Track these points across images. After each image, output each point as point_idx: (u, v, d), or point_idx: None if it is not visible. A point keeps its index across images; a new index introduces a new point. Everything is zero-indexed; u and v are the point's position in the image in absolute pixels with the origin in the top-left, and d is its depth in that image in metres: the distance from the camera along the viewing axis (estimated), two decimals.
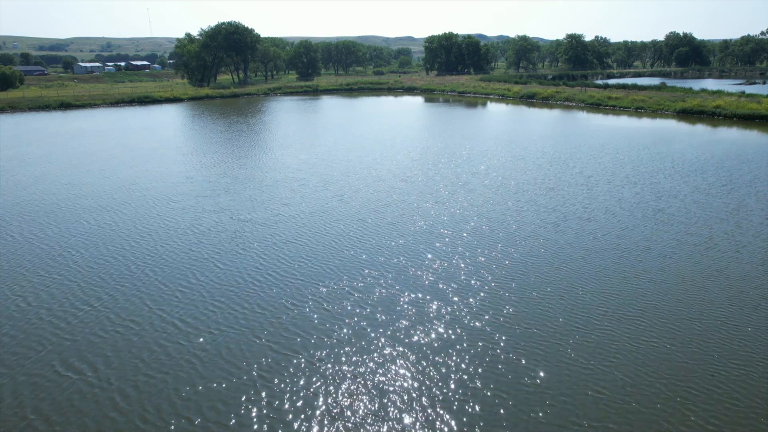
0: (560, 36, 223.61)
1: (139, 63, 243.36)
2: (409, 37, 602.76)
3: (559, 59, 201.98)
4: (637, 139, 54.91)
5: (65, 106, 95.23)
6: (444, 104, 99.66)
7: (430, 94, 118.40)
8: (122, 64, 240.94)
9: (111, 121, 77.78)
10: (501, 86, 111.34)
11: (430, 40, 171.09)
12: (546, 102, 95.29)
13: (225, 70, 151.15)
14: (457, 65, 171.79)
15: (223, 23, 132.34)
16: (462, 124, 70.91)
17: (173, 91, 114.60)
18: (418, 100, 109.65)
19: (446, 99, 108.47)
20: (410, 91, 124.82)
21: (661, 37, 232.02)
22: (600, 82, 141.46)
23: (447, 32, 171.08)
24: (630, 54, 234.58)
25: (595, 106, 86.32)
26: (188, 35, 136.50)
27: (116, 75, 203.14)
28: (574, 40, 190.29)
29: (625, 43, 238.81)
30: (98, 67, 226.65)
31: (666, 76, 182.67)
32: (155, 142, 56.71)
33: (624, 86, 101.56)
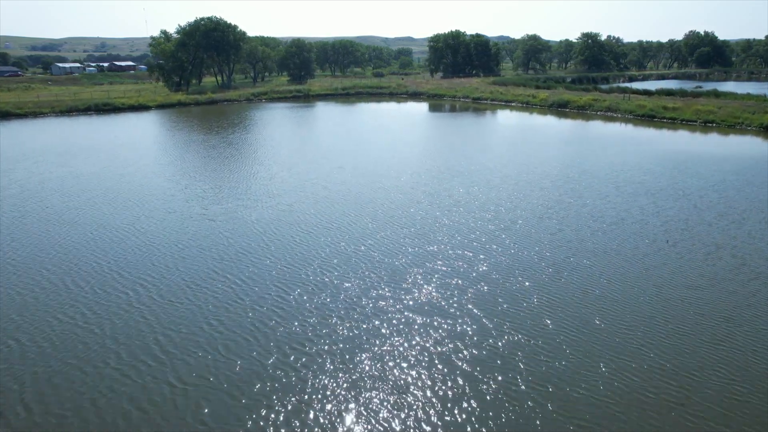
0: (562, 36, 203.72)
1: (123, 64, 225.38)
2: (409, 37, 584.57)
3: (573, 60, 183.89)
4: (757, 175, 37.30)
5: (1, 115, 77.40)
6: (459, 114, 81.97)
7: (438, 101, 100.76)
8: (105, 64, 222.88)
9: (38, 137, 59.77)
10: (523, 92, 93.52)
11: (435, 39, 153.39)
12: (582, 112, 77.59)
13: (209, 72, 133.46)
14: (465, 66, 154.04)
15: (202, 19, 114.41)
16: (497, 146, 53.03)
17: (139, 97, 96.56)
18: (426, 108, 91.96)
19: (460, 107, 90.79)
20: (416, 96, 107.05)
21: (671, 36, 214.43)
22: (623, 85, 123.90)
23: (453, 30, 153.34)
24: (645, 55, 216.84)
25: (648, 119, 68.67)
26: (164, 33, 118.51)
27: (96, 76, 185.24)
28: (590, 40, 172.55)
29: (640, 43, 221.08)
30: (78, 67, 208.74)
31: (691, 78, 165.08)
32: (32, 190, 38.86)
33: (670, 92, 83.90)
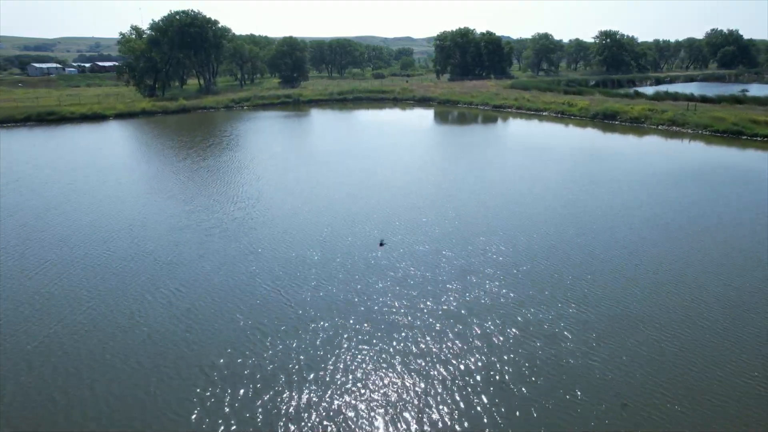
0: (560, 35, 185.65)
1: (107, 64, 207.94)
2: (408, 37, 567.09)
3: (591, 60, 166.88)
4: None
5: None
6: (485, 129, 65.24)
7: (451, 108, 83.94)
8: (87, 65, 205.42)
9: None
10: (553, 99, 76.75)
11: (442, 38, 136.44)
12: (637, 126, 60.94)
13: (193, 74, 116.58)
14: (474, 68, 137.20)
15: (177, 12, 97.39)
16: (565, 184, 36.27)
17: (97, 105, 79.44)
18: (440, 119, 75.22)
19: (482, 118, 74.02)
20: (424, 103, 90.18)
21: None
22: (650, 89, 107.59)
23: (462, 28, 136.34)
24: (661, 54, 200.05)
25: (733, 136, 52.08)
26: (135, 28, 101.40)
27: (74, 78, 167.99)
28: (609, 39, 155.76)
29: (656, 42, 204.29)
30: (55, 68, 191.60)
31: (720, 80, 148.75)
32: None
33: (738, 99, 67.31)
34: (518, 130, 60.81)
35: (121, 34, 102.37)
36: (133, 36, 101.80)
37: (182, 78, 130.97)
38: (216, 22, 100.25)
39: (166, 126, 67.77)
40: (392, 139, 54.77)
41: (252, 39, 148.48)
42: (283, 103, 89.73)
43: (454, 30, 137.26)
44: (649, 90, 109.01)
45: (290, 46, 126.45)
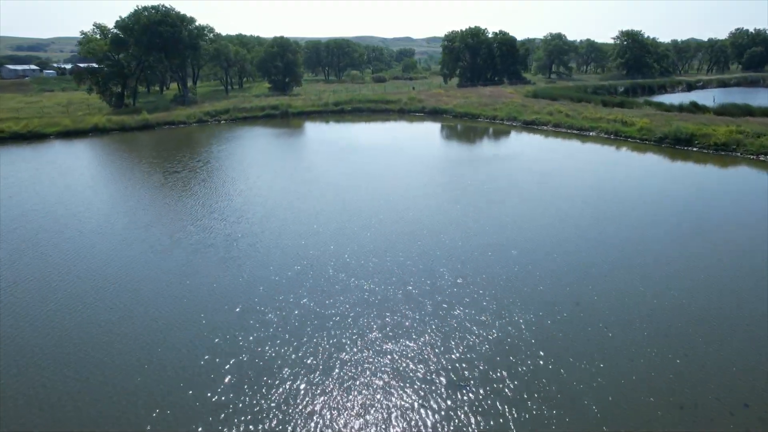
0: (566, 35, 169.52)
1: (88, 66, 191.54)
2: (408, 37, 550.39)
3: (610, 63, 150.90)
4: None
5: None
6: (531, 159, 49.65)
7: (471, 123, 68.42)
8: (67, 66, 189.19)
9: None
10: (600, 114, 61.16)
11: (451, 38, 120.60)
12: (725, 154, 45.53)
13: (174, 79, 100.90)
14: (486, 71, 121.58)
15: (146, 8, 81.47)
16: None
17: (34, 120, 63.62)
18: (460, 141, 59.69)
19: (512, 138, 58.44)
20: (436, 115, 74.57)
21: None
22: (684, 96, 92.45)
23: (473, 27, 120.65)
24: (680, 56, 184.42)
25: None
26: (99, 27, 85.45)
27: (49, 81, 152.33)
28: (631, 40, 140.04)
29: (674, 43, 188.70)
30: (31, 71, 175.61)
31: (755, 83, 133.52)
32: None
33: None
34: (575, 163, 45.19)
35: (82, 33, 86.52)
36: (97, 35, 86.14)
37: (164, 83, 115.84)
38: (192, 20, 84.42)
39: (114, 150, 52.09)
40: (404, 181, 39.20)
41: (240, 39, 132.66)
42: (268, 116, 74.03)
43: (464, 30, 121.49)
44: (682, 97, 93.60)
45: (281, 48, 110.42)
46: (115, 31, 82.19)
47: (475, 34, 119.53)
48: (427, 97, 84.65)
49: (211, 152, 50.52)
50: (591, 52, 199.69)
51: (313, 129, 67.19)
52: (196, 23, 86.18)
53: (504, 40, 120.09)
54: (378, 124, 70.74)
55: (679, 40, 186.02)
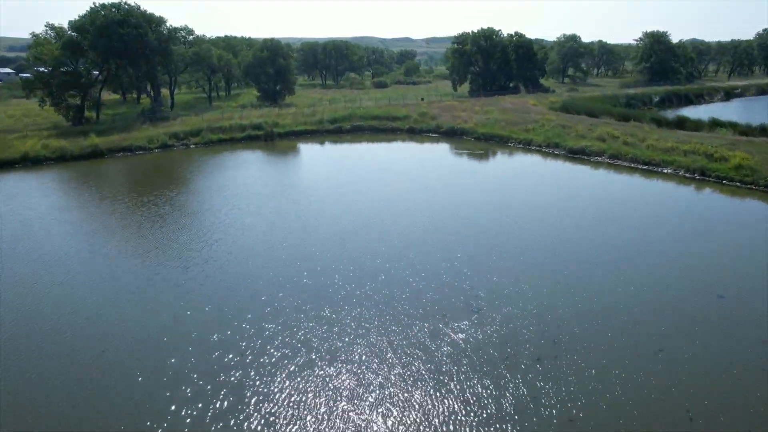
0: (554, 36, 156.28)
1: None
2: (407, 37, 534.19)
3: (635, 67, 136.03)
4: None
5: None
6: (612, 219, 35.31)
7: (499, 147, 54.18)
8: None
9: None
10: (670, 139, 46.85)
11: (461, 40, 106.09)
12: None
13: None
14: (500, 77, 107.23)
15: (104, 5, 66.93)
16: None
17: None
18: (496, 179, 45.27)
19: (563, 174, 44.20)
20: (454, 137, 60.28)
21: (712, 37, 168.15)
22: (726, 106, 78.27)
23: (486, 28, 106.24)
24: (700, 59, 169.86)
25: None
26: (53, 27, 70.82)
27: (19, 85, 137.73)
28: (657, 42, 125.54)
29: (692, 42, 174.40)
30: (7, 74, 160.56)
31: None
32: None
33: None
34: (675, 231, 31.10)
35: (32, 34, 72.04)
36: (51, 38, 71.73)
37: (141, 91, 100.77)
38: (161, 21, 69.86)
39: (21, 198, 37.62)
40: (421, 259, 25.04)
41: (227, 42, 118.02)
42: (250, 138, 59.64)
43: (476, 31, 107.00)
44: (728, 109, 79.47)
45: (272, 52, 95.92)
46: (71, 33, 67.76)
47: (489, 35, 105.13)
48: (439, 111, 70.25)
49: (146, 211, 36.22)
50: (603, 54, 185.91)
51: (304, 156, 52.93)
52: (168, 24, 71.74)
53: (520, 43, 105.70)
54: (383, 147, 56.49)
55: (699, 40, 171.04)
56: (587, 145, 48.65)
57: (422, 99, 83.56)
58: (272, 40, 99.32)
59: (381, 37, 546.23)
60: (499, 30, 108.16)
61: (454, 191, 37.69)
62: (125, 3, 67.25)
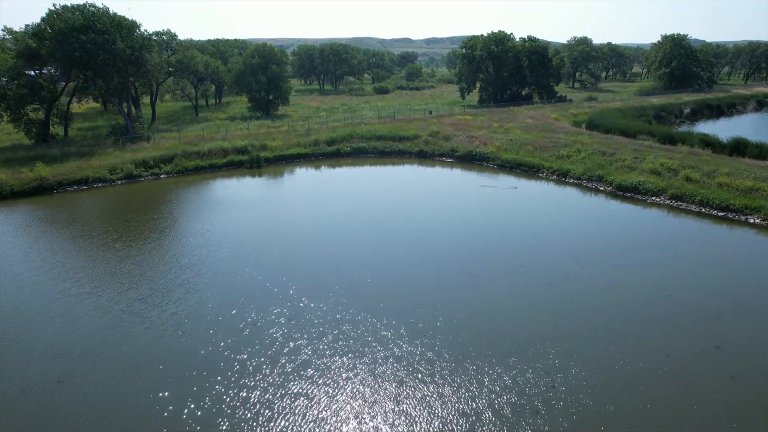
0: (567, 39, 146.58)
1: None
2: (406, 38, 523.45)
3: (654, 72, 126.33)
4: None
5: None
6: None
7: (528, 177, 44.86)
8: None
9: None
10: (756, 181, 37.45)
11: (470, 45, 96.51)
12: None
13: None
14: (512, 85, 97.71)
15: (66, 7, 57.26)
16: None
17: None
18: (535, 232, 35.67)
19: (619, 222, 34.84)
20: (471, 162, 50.85)
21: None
22: (762, 119, 69.00)
23: (498, 32, 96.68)
24: (716, 62, 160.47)
25: None
26: (13, 32, 61.22)
27: None
28: (678, 45, 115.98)
29: (705, 45, 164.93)
30: None
31: None
32: None
33: None
34: None
35: None
36: (10, 42, 62.32)
37: (121, 100, 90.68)
38: (134, 25, 60.05)
39: None
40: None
41: (216, 46, 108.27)
42: (231, 165, 50.09)
43: (487, 35, 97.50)
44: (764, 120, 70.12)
45: (264, 58, 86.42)
46: (28, 39, 58.10)
47: (501, 40, 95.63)
48: (452, 128, 60.71)
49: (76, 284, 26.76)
50: (612, 57, 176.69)
51: (291, 188, 43.45)
52: (142, 30, 62.04)
53: (534, 48, 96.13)
54: (389, 176, 47.07)
55: (713, 42, 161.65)
56: (640, 182, 39.24)
57: (430, 112, 73.97)
58: (264, 45, 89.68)
59: (380, 37, 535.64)
60: (511, 33, 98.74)
61: (494, 257, 28.20)
62: (91, 5, 57.59)
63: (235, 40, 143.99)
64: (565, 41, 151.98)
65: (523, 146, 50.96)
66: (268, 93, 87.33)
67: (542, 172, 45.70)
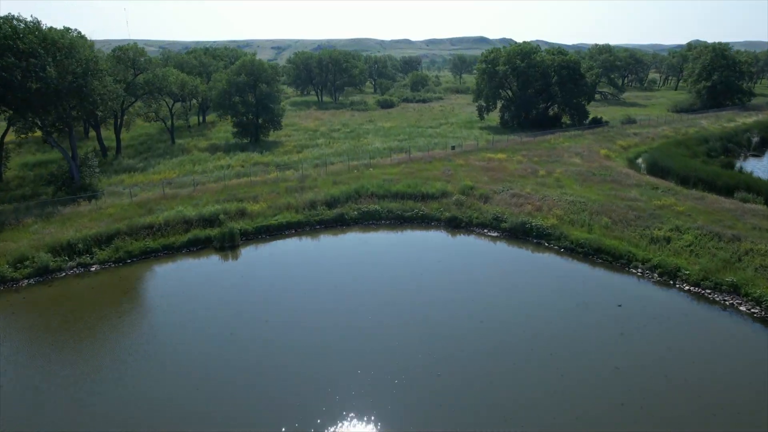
0: (567, 40, 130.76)
1: None
2: (406, 39, 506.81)
3: (693, 87, 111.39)
4: None
5: None
6: None
7: (611, 271, 30.68)
8: None
9: None
10: None
11: (491, 59, 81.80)
12: None
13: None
14: (538, 103, 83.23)
15: None
16: None
17: None
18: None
19: None
20: (524, 240, 36.44)
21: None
22: None
23: (524, 43, 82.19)
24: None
25: None
26: None
27: None
28: (720, 56, 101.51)
29: (739, 53, 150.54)
30: None
31: None
32: None
33: None
34: None
35: None
36: None
37: (88, 127, 74.92)
38: (75, 44, 45.05)
39: None
40: None
41: (198, 58, 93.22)
42: (195, 245, 35.53)
43: (510, 48, 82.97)
44: None
45: (252, 76, 71.89)
46: None
47: (527, 53, 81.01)
48: (486, 176, 46.33)
49: None
50: (630, 64, 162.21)
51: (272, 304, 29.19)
52: (92, 49, 47.17)
53: (565, 63, 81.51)
54: (412, 262, 32.80)
55: (742, 49, 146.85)
56: (738, 282, 25.06)
57: (453, 148, 59.39)
58: (252, 60, 75.01)
59: (379, 38, 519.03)
60: (538, 45, 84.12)
61: None
62: (14, 18, 42.78)
63: (225, 48, 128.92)
64: (569, 43, 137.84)
65: (594, 216, 36.62)
66: (256, 116, 72.80)
67: (635, 266, 31.33)
